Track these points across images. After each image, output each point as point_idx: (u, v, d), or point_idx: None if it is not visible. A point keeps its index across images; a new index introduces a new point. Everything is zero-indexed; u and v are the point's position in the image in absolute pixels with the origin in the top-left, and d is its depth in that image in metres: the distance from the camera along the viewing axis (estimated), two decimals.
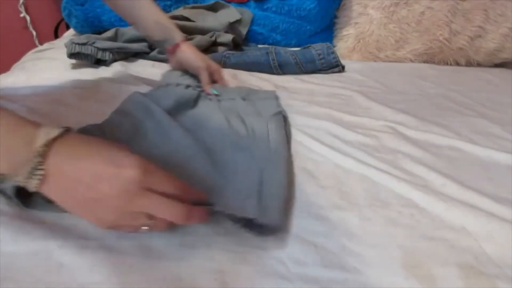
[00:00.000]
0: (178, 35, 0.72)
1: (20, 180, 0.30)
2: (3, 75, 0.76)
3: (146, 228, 0.34)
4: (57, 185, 0.31)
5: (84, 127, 0.50)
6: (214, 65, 0.73)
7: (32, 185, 0.30)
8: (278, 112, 0.60)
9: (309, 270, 0.34)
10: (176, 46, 0.72)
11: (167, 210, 0.33)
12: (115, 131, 0.52)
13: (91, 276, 0.31)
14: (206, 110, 0.61)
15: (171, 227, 0.35)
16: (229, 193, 0.42)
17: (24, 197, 0.37)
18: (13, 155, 0.30)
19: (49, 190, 0.31)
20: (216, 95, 0.67)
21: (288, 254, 0.35)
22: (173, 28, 0.72)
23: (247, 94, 0.68)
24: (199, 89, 0.70)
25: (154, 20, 0.70)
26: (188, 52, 0.71)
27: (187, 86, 0.70)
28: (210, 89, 0.67)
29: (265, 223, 0.36)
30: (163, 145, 0.50)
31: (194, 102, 0.65)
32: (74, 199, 0.32)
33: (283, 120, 0.60)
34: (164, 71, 0.80)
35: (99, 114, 0.57)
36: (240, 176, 0.45)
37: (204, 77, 0.69)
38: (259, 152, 0.50)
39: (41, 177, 0.30)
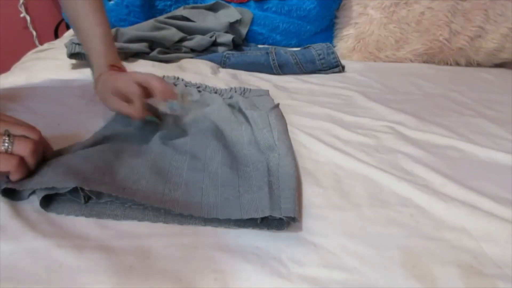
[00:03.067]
0: (98, 68, 0.59)
1: None
2: (3, 75, 0.76)
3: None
4: None
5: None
6: (157, 85, 0.51)
7: None
8: (276, 105, 0.61)
9: (309, 270, 0.34)
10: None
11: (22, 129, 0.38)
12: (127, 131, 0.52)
13: (91, 276, 0.31)
14: (214, 106, 0.62)
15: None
16: (241, 187, 0.42)
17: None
18: None
19: None
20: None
21: (288, 254, 0.35)
22: (96, 61, 0.59)
23: (243, 92, 0.69)
24: (197, 86, 0.70)
25: (86, 47, 0.61)
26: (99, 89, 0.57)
27: (187, 84, 0.70)
28: (167, 106, 0.52)
29: (278, 216, 0.37)
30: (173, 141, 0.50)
31: (199, 97, 0.66)
32: None
33: (281, 113, 0.61)
34: (165, 71, 0.80)
35: (99, 114, 0.57)
36: (251, 168, 0.46)
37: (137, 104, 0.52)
38: (264, 142, 0.50)
39: None
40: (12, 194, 0.38)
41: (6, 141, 0.36)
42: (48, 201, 0.38)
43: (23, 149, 0.37)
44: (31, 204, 0.38)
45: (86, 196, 0.38)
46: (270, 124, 0.55)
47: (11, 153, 0.36)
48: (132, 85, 0.51)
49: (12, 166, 0.36)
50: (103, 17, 0.60)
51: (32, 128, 0.39)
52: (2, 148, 0.36)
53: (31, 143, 0.37)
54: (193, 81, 0.73)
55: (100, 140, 0.48)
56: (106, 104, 0.55)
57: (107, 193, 0.37)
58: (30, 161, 0.38)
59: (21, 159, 0.37)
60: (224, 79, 0.81)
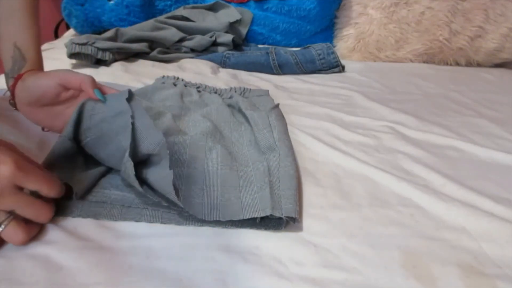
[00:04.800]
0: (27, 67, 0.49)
1: None
2: (3, 75, 0.76)
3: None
4: None
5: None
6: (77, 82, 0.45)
7: None
8: (276, 105, 0.61)
9: (309, 270, 0.34)
10: (18, 78, 0.48)
11: (34, 211, 0.33)
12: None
13: (91, 276, 0.31)
14: (213, 106, 0.62)
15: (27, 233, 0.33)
16: (241, 188, 0.42)
17: None
18: None
19: None
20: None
21: (288, 254, 0.35)
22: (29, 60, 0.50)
23: (243, 92, 0.69)
24: (197, 86, 0.70)
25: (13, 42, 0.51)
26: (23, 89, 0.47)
27: (187, 83, 0.70)
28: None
29: (279, 215, 0.37)
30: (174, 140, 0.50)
31: (199, 97, 0.66)
32: None
33: (281, 113, 0.61)
34: (165, 71, 0.80)
35: None
36: (251, 168, 0.46)
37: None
38: (264, 142, 0.50)
39: None
40: None
41: (3, 223, 0.32)
42: None
43: (11, 239, 0.32)
44: None
45: (77, 193, 0.38)
46: (271, 124, 0.55)
47: None
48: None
49: None
50: (32, 19, 0.52)
51: (45, 208, 0.34)
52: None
53: (23, 238, 0.33)
54: (193, 81, 0.73)
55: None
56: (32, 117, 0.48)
57: (123, 177, 0.37)
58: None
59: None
60: (224, 79, 0.81)
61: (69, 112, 0.45)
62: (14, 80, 0.48)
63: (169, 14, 1.02)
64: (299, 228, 0.39)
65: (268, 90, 0.71)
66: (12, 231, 0.32)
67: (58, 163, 0.41)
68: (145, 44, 0.89)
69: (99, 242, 0.35)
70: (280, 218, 0.37)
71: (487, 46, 1.10)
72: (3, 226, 0.32)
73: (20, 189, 0.32)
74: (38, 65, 0.52)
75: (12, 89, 0.49)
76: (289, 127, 0.59)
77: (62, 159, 0.41)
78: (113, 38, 0.87)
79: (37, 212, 0.34)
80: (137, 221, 0.38)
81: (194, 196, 0.40)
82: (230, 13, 1.05)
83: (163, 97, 0.63)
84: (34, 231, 0.34)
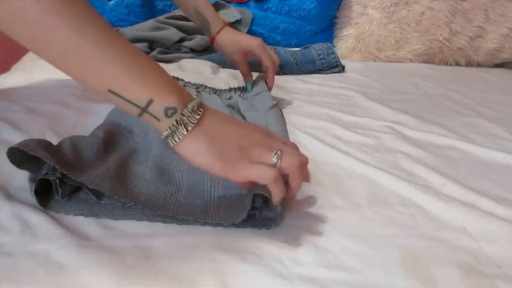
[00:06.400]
0: (214, 27, 0.71)
1: (184, 113, 0.33)
2: (3, 75, 0.76)
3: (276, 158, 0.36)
4: (205, 135, 0.34)
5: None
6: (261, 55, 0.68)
7: (190, 122, 0.34)
8: (274, 105, 0.61)
9: (309, 270, 0.34)
10: (211, 39, 0.72)
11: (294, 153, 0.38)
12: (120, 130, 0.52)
13: (91, 276, 0.31)
14: (212, 107, 0.61)
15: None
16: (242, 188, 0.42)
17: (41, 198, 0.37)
18: (181, 91, 0.35)
19: (195, 138, 0.34)
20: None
21: (288, 254, 0.35)
22: (211, 19, 0.71)
23: (242, 92, 0.69)
24: (196, 87, 0.70)
25: (193, 8, 0.71)
26: (223, 46, 0.71)
27: (186, 84, 0.70)
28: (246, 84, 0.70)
29: (270, 215, 0.37)
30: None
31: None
32: (219, 151, 0.35)
33: (281, 112, 0.61)
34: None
35: (98, 114, 0.57)
36: None
37: (242, 68, 0.71)
38: None
39: (200, 113, 0.34)
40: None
41: (277, 154, 0.36)
42: (46, 200, 0.38)
43: (289, 165, 0.36)
44: (32, 205, 0.38)
45: (63, 194, 0.38)
46: (268, 123, 0.55)
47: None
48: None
49: (270, 177, 0.35)
50: None
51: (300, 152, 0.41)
52: (273, 159, 0.36)
53: (298, 160, 0.37)
54: (193, 81, 0.73)
55: (99, 138, 0.47)
56: (232, 57, 0.71)
57: (110, 195, 0.37)
58: (294, 181, 0.37)
59: (280, 176, 0.35)
60: (224, 79, 0.81)
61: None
62: (210, 39, 0.73)
63: (169, 14, 1.01)
64: (299, 228, 0.39)
65: (261, 74, 0.71)
66: (286, 159, 0.36)
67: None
68: (145, 44, 0.89)
69: (100, 241, 0.35)
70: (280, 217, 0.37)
71: (487, 46, 1.10)
72: (277, 156, 0.36)
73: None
74: (220, 21, 0.72)
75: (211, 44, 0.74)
76: (289, 127, 0.59)
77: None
78: None
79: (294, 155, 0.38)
80: (138, 220, 0.38)
81: (196, 198, 0.40)
82: (230, 13, 1.05)
83: None
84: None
